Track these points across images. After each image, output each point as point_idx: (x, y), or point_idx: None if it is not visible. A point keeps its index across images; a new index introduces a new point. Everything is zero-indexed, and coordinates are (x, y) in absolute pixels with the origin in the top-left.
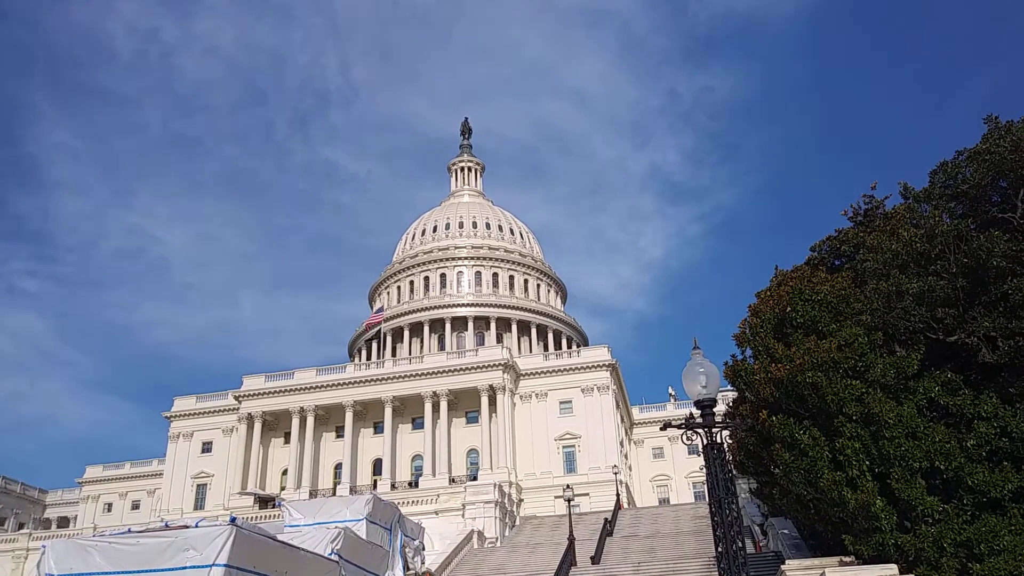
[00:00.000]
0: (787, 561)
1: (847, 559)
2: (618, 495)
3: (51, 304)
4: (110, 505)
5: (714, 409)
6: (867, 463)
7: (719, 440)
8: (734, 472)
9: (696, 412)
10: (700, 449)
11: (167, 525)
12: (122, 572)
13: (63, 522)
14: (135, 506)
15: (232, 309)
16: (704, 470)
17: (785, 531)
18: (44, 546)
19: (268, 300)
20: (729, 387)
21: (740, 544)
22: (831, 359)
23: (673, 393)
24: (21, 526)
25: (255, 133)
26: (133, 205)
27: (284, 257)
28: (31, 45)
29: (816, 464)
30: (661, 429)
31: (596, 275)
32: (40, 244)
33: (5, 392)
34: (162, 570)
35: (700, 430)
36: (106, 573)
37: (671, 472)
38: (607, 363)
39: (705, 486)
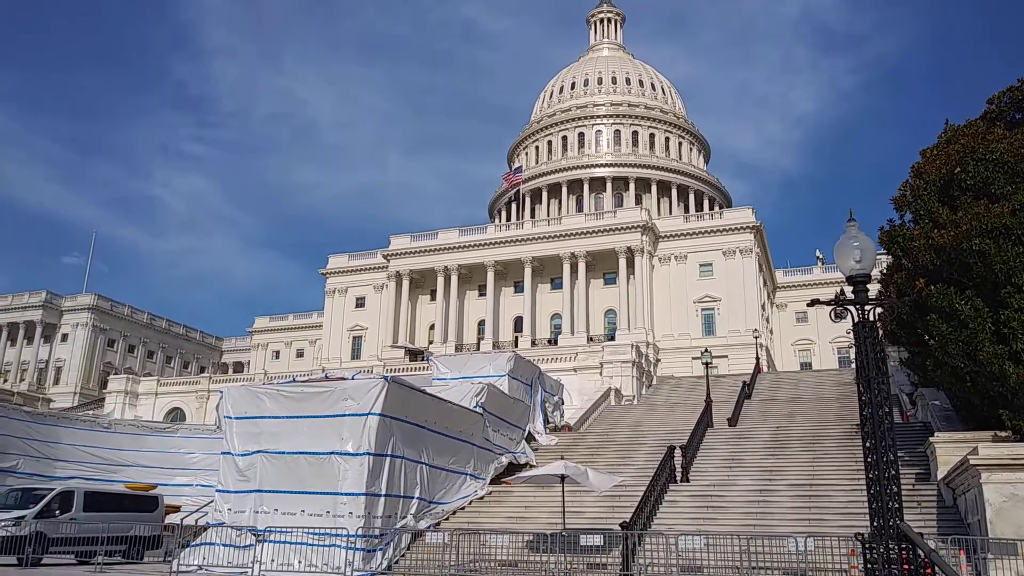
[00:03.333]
0: (937, 433)
1: (1003, 434)
2: (758, 359)
3: (216, 167)
4: (278, 352)
5: (867, 285)
6: None
7: (872, 318)
8: (884, 342)
9: (848, 288)
10: (851, 327)
11: (327, 376)
12: (289, 416)
13: (238, 367)
14: (299, 354)
15: (377, 170)
16: (850, 334)
17: (936, 402)
18: (222, 391)
19: (410, 161)
20: (884, 252)
21: (888, 422)
22: (1003, 225)
23: (820, 256)
24: (202, 369)
25: None
26: (281, 69)
27: (424, 118)
28: None
29: (977, 336)
30: (808, 305)
31: (741, 132)
32: (202, 111)
33: (182, 248)
34: (324, 416)
35: (851, 307)
36: (275, 417)
37: (814, 337)
38: (750, 225)
39: (851, 351)
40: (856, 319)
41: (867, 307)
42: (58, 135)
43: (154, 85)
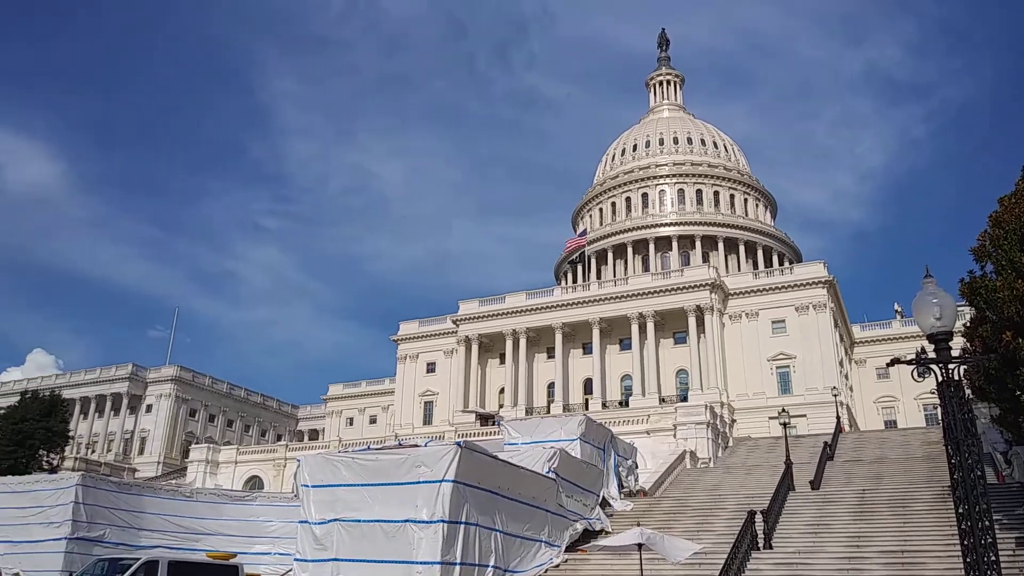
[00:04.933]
0: None
1: None
2: (838, 417)
3: (291, 240)
4: (351, 419)
5: (950, 342)
6: None
7: (957, 376)
8: (973, 399)
9: (929, 345)
10: (935, 386)
11: (400, 443)
12: (364, 484)
13: (313, 434)
14: (372, 420)
15: (446, 238)
16: (936, 392)
17: None
18: (299, 460)
19: (476, 228)
20: (965, 304)
21: (982, 486)
22: None
23: (899, 309)
24: (279, 437)
25: (458, 66)
26: (353, 144)
27: (489, 185)
28: (254, 1)
29: None
30: (888, 365)
31: (808, 187)
32: (277, 186)
33: (260, 320)
34: (398, 483)
35: (934, 366)
36: (351, 484)
37: (897, 393)
38: (823, 279)
39: (938, 408)
40: (940, 378)
41: (951, 365)
42: (143, 214)
43: (232, 164)
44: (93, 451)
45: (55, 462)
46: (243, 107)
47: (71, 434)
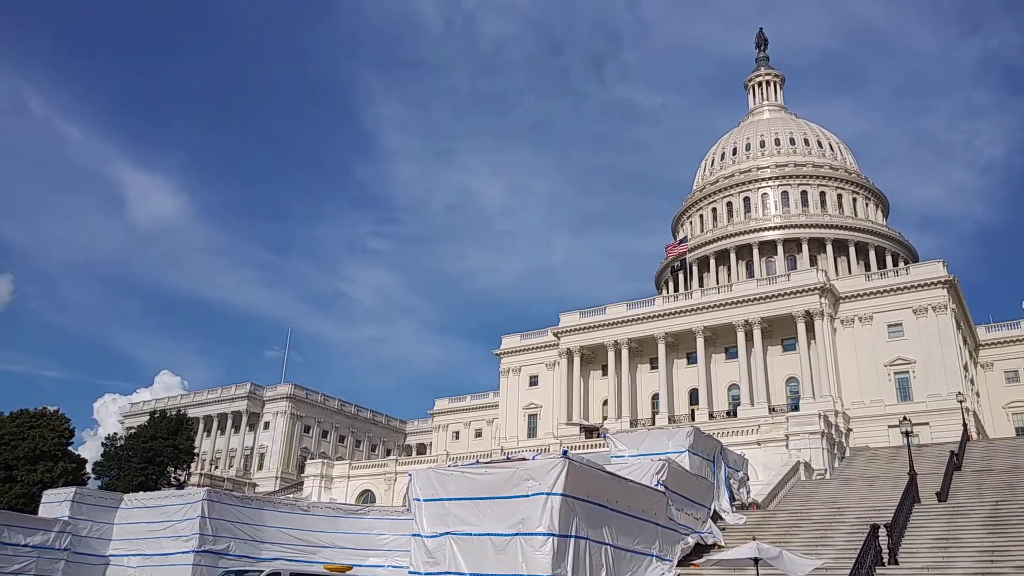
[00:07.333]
0: None
1: None
2: (965, 425)
3: (396, 259)
4: (457, 433)
5: None
6: None
7: None
8: None
9: None
10: None
11: (508, 457)
12: (474, 498)
13: (420, 448)
14: (478, 434)
15: (545, 252)
16: None
17: None
18: (410, 474)
19: (576, 241)
20: None
21: None
22: None
23: None
24: (388, 452)
25: (553, 81)
26: (454, 164)
27: (588, 198)
28: (357, 31)
29: None
30: None
31: (923, 184)
32: (382, 208)
33: (368, 337)
34: (507, 497)
35: None
36: (461, 498)
37: None
38: (943, 280)
39: None
40: None
41: None
42: (259, 241)
43: (340, 188)
44: (216, 467)
45: (182, 478)
46: (349, 132)
47: (196, 451)
